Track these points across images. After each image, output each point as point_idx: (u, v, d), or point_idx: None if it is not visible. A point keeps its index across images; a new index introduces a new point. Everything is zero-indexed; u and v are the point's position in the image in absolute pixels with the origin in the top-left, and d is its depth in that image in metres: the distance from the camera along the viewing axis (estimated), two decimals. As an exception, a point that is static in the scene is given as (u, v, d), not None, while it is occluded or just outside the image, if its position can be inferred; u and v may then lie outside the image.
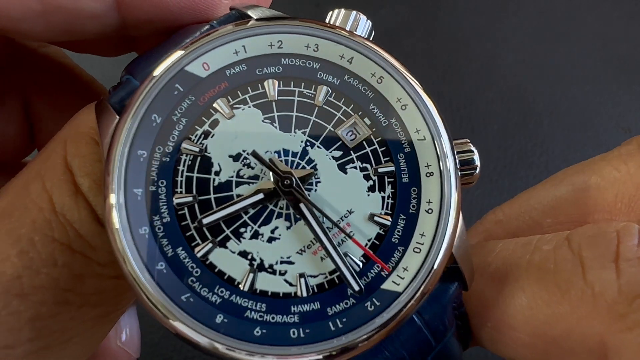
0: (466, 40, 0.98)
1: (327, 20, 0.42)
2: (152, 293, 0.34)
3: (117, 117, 0.36)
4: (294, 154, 0.38)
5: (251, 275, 0.36)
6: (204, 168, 0.37)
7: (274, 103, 0.39)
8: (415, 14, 1.01)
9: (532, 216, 0.49)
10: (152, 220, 0.35)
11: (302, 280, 0.36)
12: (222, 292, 0.35)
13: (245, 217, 0.37)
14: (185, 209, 0.36)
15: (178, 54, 0.38)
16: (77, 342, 0.38)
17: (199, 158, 0.37)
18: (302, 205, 0.37)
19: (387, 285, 0.36)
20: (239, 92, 0.39)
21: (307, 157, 0.38)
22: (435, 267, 0.36)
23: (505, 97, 0.91)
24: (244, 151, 0.38)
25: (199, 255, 0.36)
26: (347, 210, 0.38)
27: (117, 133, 0.36)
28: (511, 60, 0.96)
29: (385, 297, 0.36)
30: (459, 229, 0.38)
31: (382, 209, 0.38)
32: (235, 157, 0.38)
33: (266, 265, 0.36)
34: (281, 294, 0.36)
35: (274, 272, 0.36)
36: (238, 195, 0.37)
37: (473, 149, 0.40)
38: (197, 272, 0.35)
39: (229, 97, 0.39)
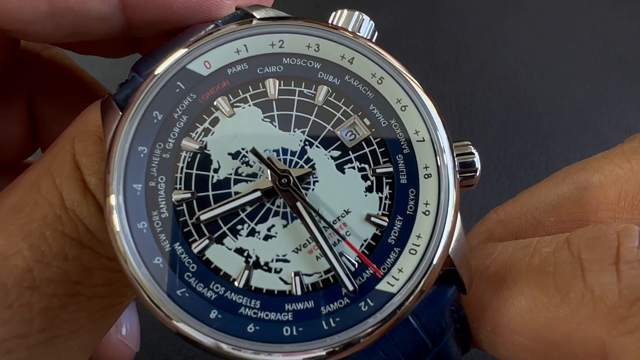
0: (466, 40, 0.98)
1: (330, 21, 0.42)
2: (153, 292, 0.34)
3: (120, 113, 0.37)
4: (293, 153, 0.39)
5: (247, 272, 0.36)
6: (203, 165, 0.38)
7: (274, 102, 0.39)
8: (415, 14, 1.01)
9: (534, 215, 0.48)
10: (150, 216, 0.36)
11: (297, 278, 0.36)
12: (217, 288, 0.35)
13: (243, 215, 0.37)
14: (184, 205, 0.37)
15: (180, 52, 0.38)
16: (86, 332, 0.39)
17: (198, 155, 0.38)
18: (298, 204, 0.37)
19: (382, 286, 0.36)
20: (239, 90, 0.39)
21: (305, 156, 0.39)
22: (430, 269, 0.36)
23: (505, 97, 0.91)
24: (243, 149, 0.38)
25: (195, 251, 0.36)
26: (344, 210, 0.38)
27: (119, 129, 0.36)
28: (511, 60, 0.95)
29: (380, 298, 0.36)
30: (456, 232, 0.37)
31: (379, 209, 0.38)
32: (235, 155, 0.38)
33: (262, 263, 0.36)
34: (276, 292, 0.36)
35: (269, 270, 0.36)
36: (236, 193, 0.37)
37: (474, 151, 0.40)
38: (193, 267, 0.36)
39: (229, 96, 0.39)
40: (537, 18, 1.01)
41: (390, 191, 0.38)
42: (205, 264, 0.36)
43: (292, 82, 0.40)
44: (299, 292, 0.36)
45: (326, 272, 0.37)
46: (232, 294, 0.36)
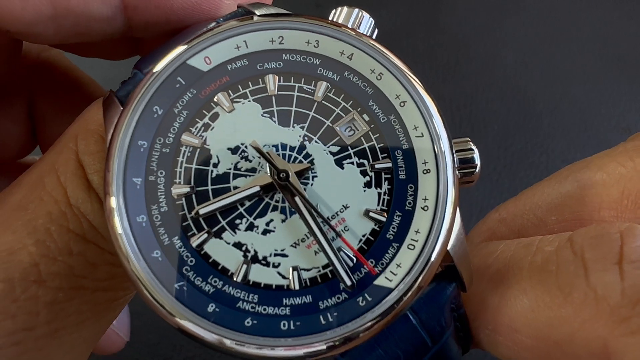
0: (466, 40, 0.98)
1: (330, 18, 0.42)
2: (152, 287, 0.34)
3: (122, 108, 0.37)
4: (292, 148, 0.39)
5: (245, 266, 0.36)
6: (202, 160, 0.38)
7: (273, 98, 0.39)
8: (416, 14, 1.01)
9: (536, 214, 0.48)
10: (150, 209, 0.36)
11: (295, 273, 0.36)
12: (215, 282, 0.36)
13: (241, 209, 0.37)
14: (183, 199, 0.37)
15: (180, 48, 0.39)
16: (90, 324, 0.40)
17: (198, 150, 0.38)
18: (297, 199, 0.37)
19: (380, 281, 0.36)
20: (239, 86, 0.39)
21: (304, 152, 0.39)
22: (429, 264, 0.36)
23: (505, 97, 0.91)
24: (242, 144, 0.38)
25: (194, 245, 0.36)
26: (343, 205, 0.38)
27: (119, 123, 0.36)
28: (511, 60, 0.95)
29: (377, 293, 0.36)
30: (455, 227, 0.37)
31: (378, 205, 0.38)
32: (234, 150, 0.38)
33: (260, 257, 0.36)
34: (274, 286, 0.36)
35: (267, 264, 0.36)
36: (235, 187, 0.38)
37: (473, 147, 0.40)
38: (191, 261, 0.36)
39: (229, 91, 0.39)
40: (537, 18, 1.01)
41: (389, 186, 0.38)
42: (204, 257, 0.36)
43: (292, 78, 0.40)
44: (297, 287, 0.36)
45: (324, 267, 0.37)
46: (230, 288, 0.36)
